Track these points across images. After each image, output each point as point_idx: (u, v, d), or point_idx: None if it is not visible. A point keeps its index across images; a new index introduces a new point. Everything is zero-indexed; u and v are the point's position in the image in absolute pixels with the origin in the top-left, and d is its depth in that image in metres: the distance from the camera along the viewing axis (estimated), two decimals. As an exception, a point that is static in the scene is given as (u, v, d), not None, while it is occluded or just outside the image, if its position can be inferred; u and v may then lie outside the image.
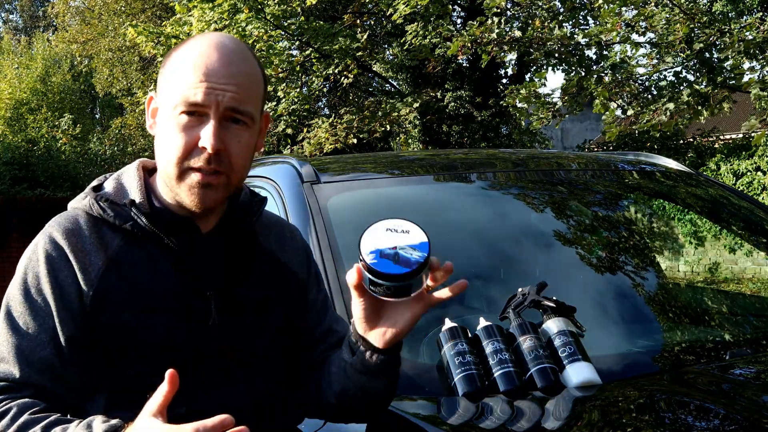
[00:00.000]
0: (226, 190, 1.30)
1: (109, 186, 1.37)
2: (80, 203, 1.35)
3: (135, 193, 1.34)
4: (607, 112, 8.04)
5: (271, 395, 1.39)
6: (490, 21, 7.74)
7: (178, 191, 1.30)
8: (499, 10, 8.17)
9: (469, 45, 7.68)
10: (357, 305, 1.27)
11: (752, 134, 7.46)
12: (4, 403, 1.20)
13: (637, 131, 9.78)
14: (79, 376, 1.27)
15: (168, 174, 1.29)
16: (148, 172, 1.41)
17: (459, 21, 13.83)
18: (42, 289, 1.26)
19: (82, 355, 1.26)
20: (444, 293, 1.25)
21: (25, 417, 1.17)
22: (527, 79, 10.40)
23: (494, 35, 7.56)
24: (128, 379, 1.26)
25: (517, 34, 7.77)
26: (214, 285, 1.33)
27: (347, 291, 1.79)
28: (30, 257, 1.30)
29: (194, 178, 1.27)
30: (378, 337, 1.28)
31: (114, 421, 1.12)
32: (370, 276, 1.20)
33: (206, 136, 1.24)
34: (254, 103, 1.30)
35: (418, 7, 9.62)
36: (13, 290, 1.29)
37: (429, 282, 1.23)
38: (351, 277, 1.22)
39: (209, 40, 1.30)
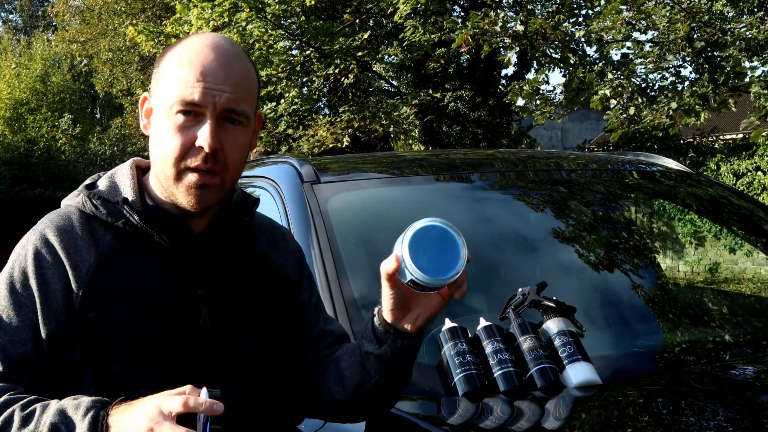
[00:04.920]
0: (220, 190, 1.31)
1: (102, 184, 1.38)
2: (73, 200, 1.36)
3: (128, 192, 1.34)
4: (610, 113, 8.00)
5: (262, 396, 1.37)
6: (493, 13, 7.71)
7: (174, 191, 1.30)
8: (500, 1, 8.15)
9: (472, 35, 7.62)
10: (389, 295, 1.28)
11: (750, 132, 7.43)
12: None
13: (637, 131, 9.76)
14: (58, 375, 1.27)
15: (165, 174, 1.29)
16: (142, 171, 1.41)
17: (459, 20, 13.83)
18: (28, 285, 1.27)
19: (64, 354, 1.26)
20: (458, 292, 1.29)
21: (4, 397, 1.18)
22: (528, 78, 10.40)
23: (498, 28, 7.52)
24: (113, 377, 1.26)
25: (519, 29, 7.73)
26: (204, 285, 1.33)
27: (348, 290, 1.80)
28: (19, 253, 1.31)
29: (191, 178, 1.27)
30: (410, 322, 1.30)
31: (100, 399, 1.14)
32: (408, 270, 1.21)
33: (203, 136, 1.25)
34: (249, 103, 1.31)
35: (419, 5, 9.61)
36: None
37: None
38: (389, 265, 1.23)
39: (205, 40, 1.30)
